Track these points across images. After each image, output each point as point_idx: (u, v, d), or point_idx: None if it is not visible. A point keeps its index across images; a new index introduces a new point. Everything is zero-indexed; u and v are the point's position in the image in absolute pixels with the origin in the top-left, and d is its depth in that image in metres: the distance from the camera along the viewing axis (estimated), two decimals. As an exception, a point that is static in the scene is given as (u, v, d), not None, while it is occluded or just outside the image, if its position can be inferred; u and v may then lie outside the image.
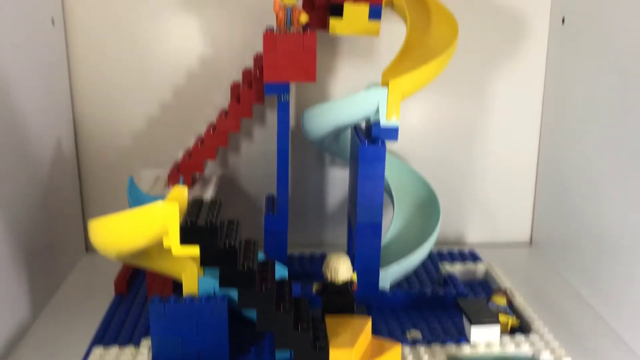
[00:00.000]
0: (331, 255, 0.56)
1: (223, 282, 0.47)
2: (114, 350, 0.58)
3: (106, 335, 0.61)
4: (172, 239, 0.46)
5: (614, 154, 0.68)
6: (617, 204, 0.67)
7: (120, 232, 0.47)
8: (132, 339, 0.60)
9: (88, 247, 0.84)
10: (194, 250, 0.46)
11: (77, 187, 0.82)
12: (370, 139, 0.64)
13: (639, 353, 0.62)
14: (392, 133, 0.64)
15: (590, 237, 0.73)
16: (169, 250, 0.55)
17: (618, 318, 0.67)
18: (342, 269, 0.55)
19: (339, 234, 0.85)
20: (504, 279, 0.71)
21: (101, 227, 0.48)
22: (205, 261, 0.46)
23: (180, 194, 0.49)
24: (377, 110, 0.64)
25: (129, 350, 0.58)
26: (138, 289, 0.71)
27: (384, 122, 0.63)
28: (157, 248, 0.54)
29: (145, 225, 0.46)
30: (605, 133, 0.69)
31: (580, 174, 0.75)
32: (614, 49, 0.67)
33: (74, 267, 0.80)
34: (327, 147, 0.75)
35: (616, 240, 0.67)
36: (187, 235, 0.46)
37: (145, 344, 0.58)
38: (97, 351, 0.57)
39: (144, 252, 0.54)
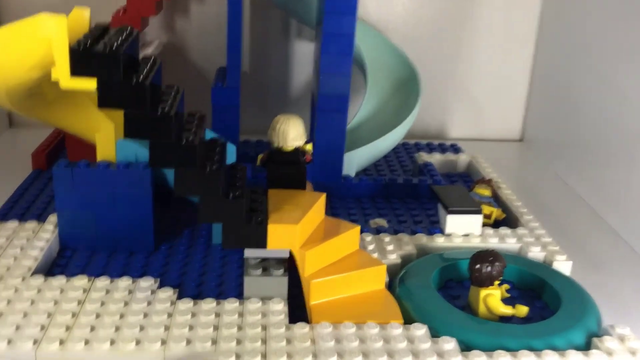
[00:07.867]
0: (279, 116, 0.45)
1: (128, 131, 0.36)
2: (12, 224, 0.47)
3: (12, 210, 0.51)
4: (61, 68, 0.34)
5: (615, 49, 0.59)
6: (617, 102, 0.59)
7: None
8: (41, 217, 0.50)
9: (12, 122, 0.73)
10: (89, 84, 0.35)
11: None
12: (339, -12, 0.52)
13: (638, 251, 0.53)
14: (366, -20, 0.52)
15: (587, 135, 0.64)
16: (71, 97, 0.44)
17: (617, 216, 0.57)
18: (292, 133, 0.44)
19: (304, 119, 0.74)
20: (489, 172, 0.61)
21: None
22: (104, 101, 0.35)
23: (80, 15, 0.37)
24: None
25: (30, 225, 0.47)
26: (60, 166, 0.60)
27: (356, -33, 0.52)
28: (54, 91, 0.43)
29: (26, 43, 0.35)
30: (608, 26, 0.61)
31: (580, 70, 0.66)
32: None
33: (-6, 141, 0.69)
34: (290, 6, 0.63)
35: (615, 138, 0.59)
36: (79, 62, 0.34)
37: (52, 220, 0.48)
38: (-10, 226, 0.47)
39: (40, 97, 0.43)
